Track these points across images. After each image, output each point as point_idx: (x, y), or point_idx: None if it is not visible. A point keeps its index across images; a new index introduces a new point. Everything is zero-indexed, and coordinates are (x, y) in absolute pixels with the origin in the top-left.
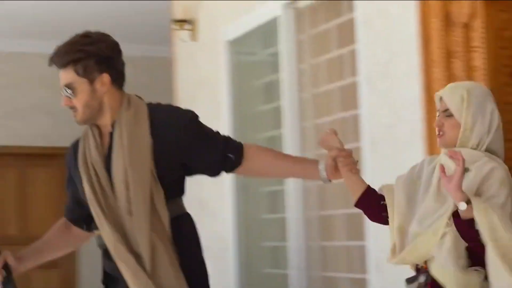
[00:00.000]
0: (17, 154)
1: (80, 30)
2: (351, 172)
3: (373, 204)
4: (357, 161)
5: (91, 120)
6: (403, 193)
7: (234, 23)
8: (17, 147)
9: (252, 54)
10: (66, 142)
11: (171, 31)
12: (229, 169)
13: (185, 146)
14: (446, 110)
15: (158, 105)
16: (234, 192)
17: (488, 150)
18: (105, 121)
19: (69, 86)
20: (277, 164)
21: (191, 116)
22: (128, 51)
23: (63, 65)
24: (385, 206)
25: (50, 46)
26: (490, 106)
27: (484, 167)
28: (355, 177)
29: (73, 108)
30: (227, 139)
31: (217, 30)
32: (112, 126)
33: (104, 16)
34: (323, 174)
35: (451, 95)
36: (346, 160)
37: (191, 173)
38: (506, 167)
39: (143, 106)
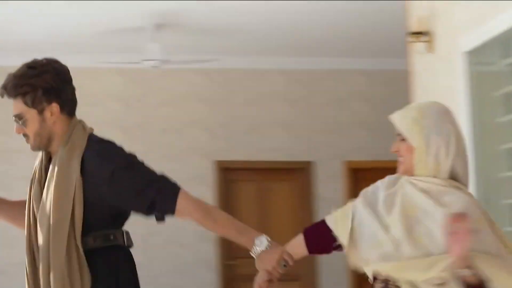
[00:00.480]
0: (258, 169)
1: (318, 45)
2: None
3: (326, 242)
4: (284, 265)
5: (43, 148)
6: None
7: (471, 33)
8: (258, 162)
9: (491, 64)
10: (305, 157)
11: (407, 43)
12: (160, 220)
13: (108, 196)
14: (400, 133)
15: (96, 144)
16: None
17: (453, 178)
18: (55, 148)
19: (19, 116)
20: (204, 225)
21: (118, 165)
22: (364, 64)
23: (12, 96)
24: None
25: (290, 63)
26: (447, 127)
27: (457, 204)
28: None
29: (25, 136)
30: (158, 190)
31: (454, 41)
32: None
33: (340, 31)
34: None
35: (402, 117)
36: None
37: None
38: (472, 196)
39: (82, 142)
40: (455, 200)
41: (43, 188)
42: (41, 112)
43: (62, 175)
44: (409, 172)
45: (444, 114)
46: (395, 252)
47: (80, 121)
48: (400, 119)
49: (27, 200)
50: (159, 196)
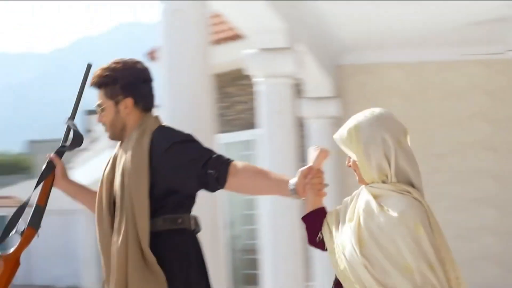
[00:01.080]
0: None
1: None
2: (314, 193)
3: (316, 224)
4: (327, 184)
5: (118, 137)
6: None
7: None
8: None
9: None
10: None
11: None
12: (212, 187)
13: (167, 165)
14: None
15: (163, 128)
16: None
17: (405, 179)
18: (127, 138)
19: (99, 105)
20: (258, 182)
21: (177, 139)
22: None
23: (96, 87)
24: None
25: None
26: (380, 134)
27: (396, 207)
28: (316, 198)
29: (104, 124)
30: (213, 158)
31: None
32: None
33: None
34: (292, 191)
35: (340, 135)
36: (314, 180)
37: (183, 190)
38: (418, 199)
39: (152, 126)
40: (395, 203)
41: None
42: (116, 104)
43: (134, 149)
44: (364, 183)
45: (377, 122)
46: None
47: (156, 116)
48: (339, 139)
49: (100, 183)
50: (212, 159)
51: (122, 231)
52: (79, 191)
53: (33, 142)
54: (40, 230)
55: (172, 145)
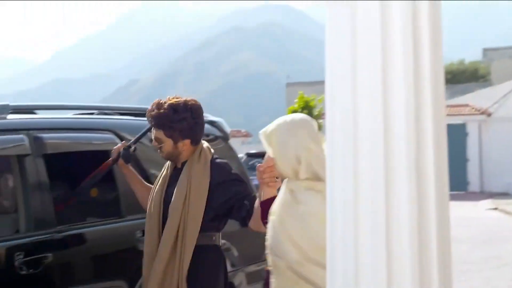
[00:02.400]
0: None
1: None
2: (268, 186)
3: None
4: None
5: (171, 160)
6: None
7: None
8: None
9: None
10: None
11: None
12: (244, 224)
13: (219, 199)
14: None
15: (217, 163)
16: None
17: (315, 176)
18: (179, 162)
19: (157, 140)
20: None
21: (228, 178)
22: None
23: (156, 128)
24: None
25: None
26: (293, 140)
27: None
28: (269, 189)
29: (160, 150)
30: (252, 196)
31: None
32: (182, 165)
33: None
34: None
35: (264, 133)
36: (266, 176)
37: (227, 217)
38: (322, 189)
39: (208, 161)
40: (304, 198)
41: (168, 187)
42: (175, 143)
43: (197, 183)
44: (282, 177)
45: (292, 128)
46: None
47: (208, 146)
48: (262, 134)
49: (151, 196)
50: (246, 205)
51: (171, 242)
52: (134, 180)
53: (488, 49)
54: (490, 139)
55: (224, 181)
